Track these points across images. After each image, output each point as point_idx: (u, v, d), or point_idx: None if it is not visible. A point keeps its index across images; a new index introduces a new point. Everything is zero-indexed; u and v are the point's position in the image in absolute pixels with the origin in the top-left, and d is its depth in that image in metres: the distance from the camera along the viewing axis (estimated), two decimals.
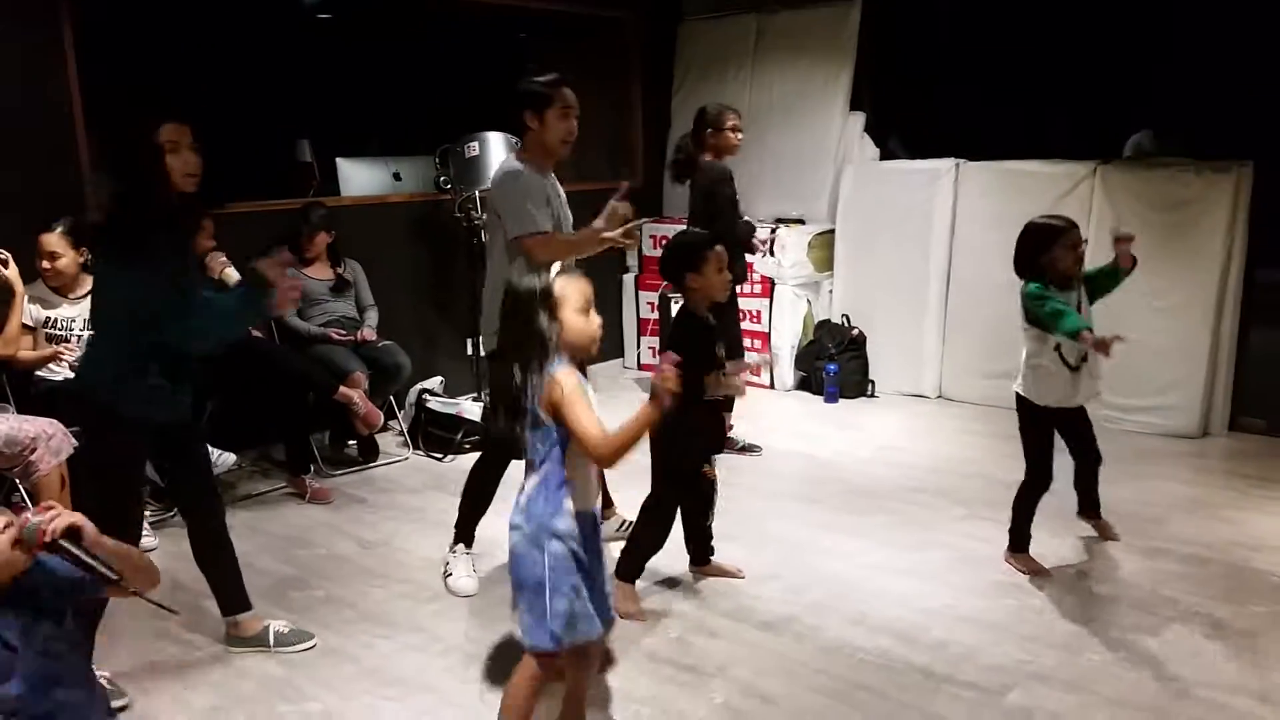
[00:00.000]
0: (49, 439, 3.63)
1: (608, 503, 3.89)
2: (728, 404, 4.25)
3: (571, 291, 2.33)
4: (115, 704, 2.71)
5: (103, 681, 2.78)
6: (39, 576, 1.68)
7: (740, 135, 4.95)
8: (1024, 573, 3.57)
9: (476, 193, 5.32)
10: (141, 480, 3.12)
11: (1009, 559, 3.65)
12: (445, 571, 3.63)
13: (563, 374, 2.26)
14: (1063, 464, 3.68)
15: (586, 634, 2.34)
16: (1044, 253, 3.40)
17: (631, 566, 3.40)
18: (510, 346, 2.35)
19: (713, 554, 3.64)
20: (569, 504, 2.30)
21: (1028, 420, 3.57)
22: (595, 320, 2.37)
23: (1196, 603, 3.33)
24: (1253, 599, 3.35)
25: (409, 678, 2.99)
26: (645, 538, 3.41)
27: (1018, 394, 3.57)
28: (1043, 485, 3.58)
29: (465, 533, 3.63)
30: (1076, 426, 3.64)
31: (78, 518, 1.66)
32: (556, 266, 2.36)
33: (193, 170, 2.75)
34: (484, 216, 5.41)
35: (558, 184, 3.61)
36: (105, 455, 2.91)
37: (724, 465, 4.77)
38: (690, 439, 3.29)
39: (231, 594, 3.15)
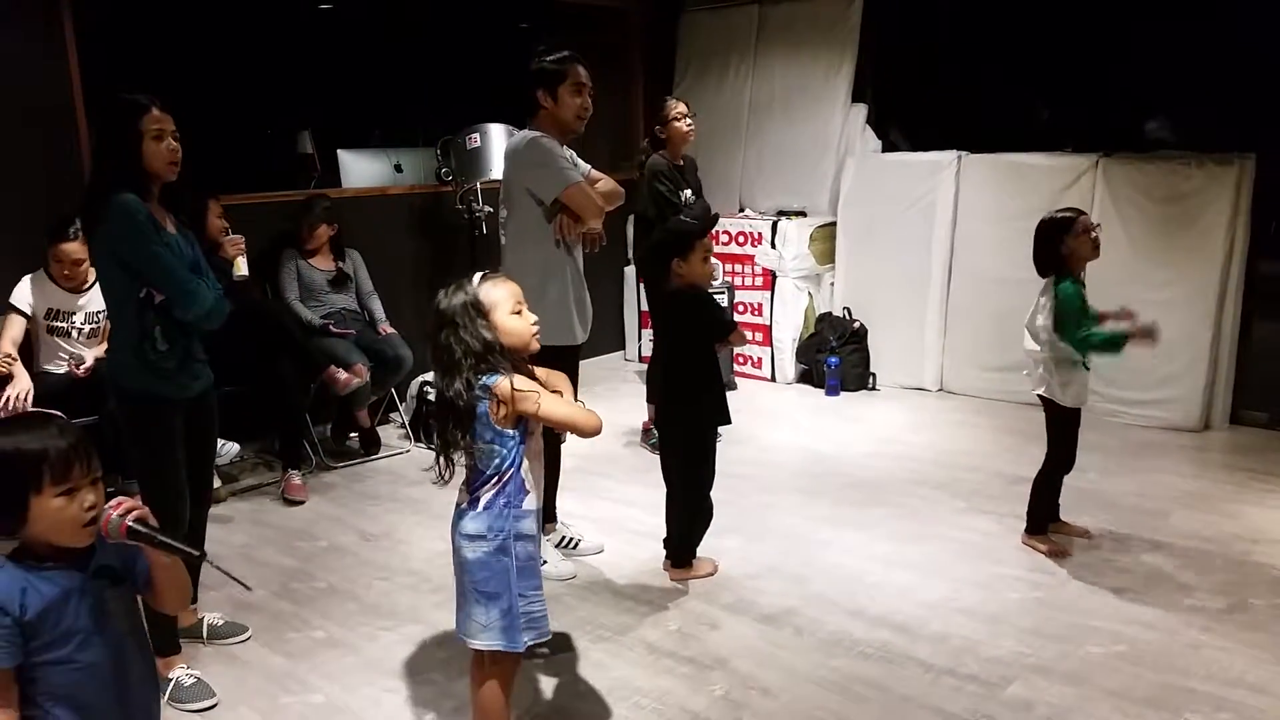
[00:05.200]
0: None
1: (550, 517, 3.81)
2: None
3: (500, 295, 2.31)
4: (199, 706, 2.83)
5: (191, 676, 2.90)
6: (111, 554, 1.77)
7: (690, 124, 4.90)
8: (1045, 553, 3.63)
9: (478, 184, 5.32)
10: (181, 471, 2.92)
11: (1027, 540, 3.71)
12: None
13: (518, 382, 2.23)
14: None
15: (543, 633, 2.36)
16: (1060, 245, 3.45)
17: (687, 551, 3.58)
18: (446, 363, 2.25)
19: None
20: (530, 503, 2.32)
21: (1055, 415, 3.61)
22: (529, 317, 2.34)
23: (1197, 596, 3.34)
24: (1253, 592, 3.36)
25: (411, 669, 3.00)
26: (693, 523, 3.56)
27: (1044, 397, 3.60)
28: (1067, 467, 3.67)
29: (547, 513, 3.69)
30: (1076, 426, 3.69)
31: (143, 507, 1.74)
32: (477, 277, 2.31)
33: (177, 159, 2.79)
34: (494, 208, 5.39)
35: (575, 156, 3.62)
36: (145, 445, 2.83)
37: (721, 458, 4.78)
38: (695, 410, 3.45)
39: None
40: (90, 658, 1.70)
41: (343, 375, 4.55)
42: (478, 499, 2.29)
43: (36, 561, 1.69)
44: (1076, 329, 3.41)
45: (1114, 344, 3.40)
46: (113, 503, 1.71)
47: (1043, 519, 3.71)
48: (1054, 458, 3.66)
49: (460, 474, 2.34)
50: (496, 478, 2.27)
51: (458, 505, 2.34)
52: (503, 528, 2.27)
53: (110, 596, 1.75)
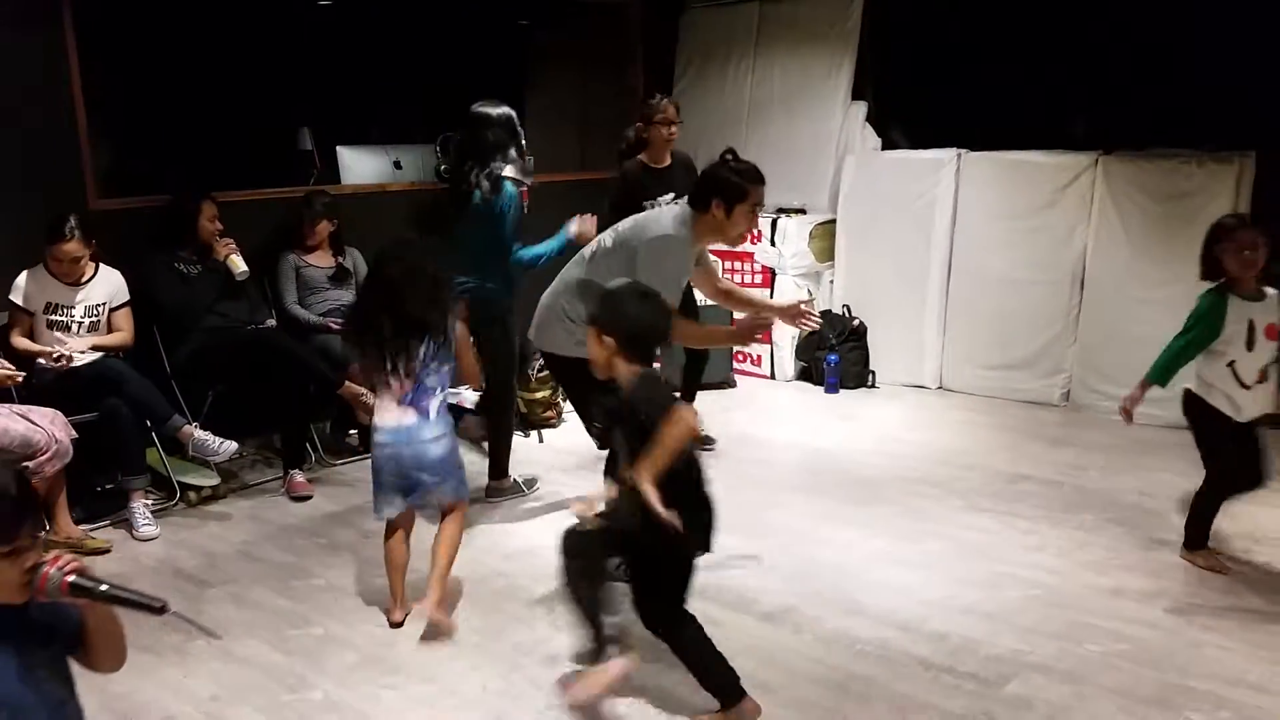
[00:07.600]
0: (54, 444, 3.60)
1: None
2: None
3: None
4: None
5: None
6: (43, 611, 1.60)
7: (672, 131, 4.69)
8: (1203, 568, 3.50)
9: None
10: None
11: (1185, 556, 3.57)
12: None
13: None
14: (1060, 460, 3.68)
15: None
16: (1212, 249, 3.38)
17: None
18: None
19: None
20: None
21: (1198, 421, 3.50)
22: None
23: (1197, 594, 3.34)
24: (1253, 591, 3.36)
25: (410, 667, 3.00)
26: None
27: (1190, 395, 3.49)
28: (1234, 487, 3.49)
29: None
30: (1245, 443, 3.49)
31: (80, 560, 1.58)
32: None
33: None
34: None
35: (705, 251, 3.69)
36: (510, 344, 4.16)
37: (722, 456, 4.77)
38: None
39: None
40: None
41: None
42: (427, 410, 3.11)
43: None
44: (1179, 338, 3.35)
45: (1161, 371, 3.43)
46: (49, 557, 1.54)
47: (1196, 535, 3.55)
48: (1209, 472, 3.52)
49: None
50: (438, 390, 3.14)
51: (399, 424, 3.09)
52: (449, 421, 3.18)
53: (39, 660, 1.55)
